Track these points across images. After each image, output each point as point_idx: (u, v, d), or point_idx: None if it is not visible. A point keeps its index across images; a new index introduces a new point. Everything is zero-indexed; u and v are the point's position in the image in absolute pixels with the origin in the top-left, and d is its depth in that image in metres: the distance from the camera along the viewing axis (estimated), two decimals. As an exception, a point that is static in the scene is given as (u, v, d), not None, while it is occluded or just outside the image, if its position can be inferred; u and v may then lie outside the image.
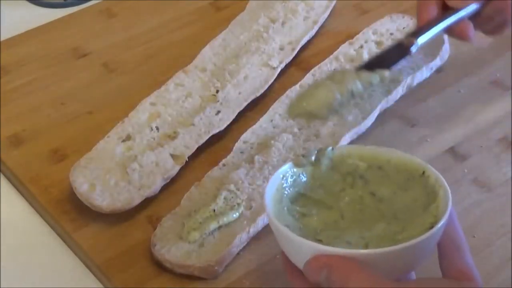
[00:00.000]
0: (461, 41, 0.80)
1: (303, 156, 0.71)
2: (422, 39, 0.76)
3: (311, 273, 0.62)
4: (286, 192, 0.69)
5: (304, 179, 0.70)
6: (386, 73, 0.74)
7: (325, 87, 0.72)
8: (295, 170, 0.70)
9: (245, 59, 0.92)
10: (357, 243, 0.64)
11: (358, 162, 0.70)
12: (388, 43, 0.94)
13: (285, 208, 0.67)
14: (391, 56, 0.75)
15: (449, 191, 0.65)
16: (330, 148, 0.71)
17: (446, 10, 0.79)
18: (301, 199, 0.69)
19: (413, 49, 0.75)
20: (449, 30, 0.79)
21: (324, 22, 1.00)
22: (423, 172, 0.68)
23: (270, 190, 0.67)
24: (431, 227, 0.63)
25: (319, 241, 0.64)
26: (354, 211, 0.68)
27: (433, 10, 0.78)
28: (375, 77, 0.74)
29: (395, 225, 0.66)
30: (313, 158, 0.70)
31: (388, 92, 0.87)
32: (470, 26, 0.79)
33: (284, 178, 0.69)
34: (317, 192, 0.70)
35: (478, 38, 0.83)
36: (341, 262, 0.60)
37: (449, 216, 0.63)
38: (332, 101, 0.71)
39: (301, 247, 0.63)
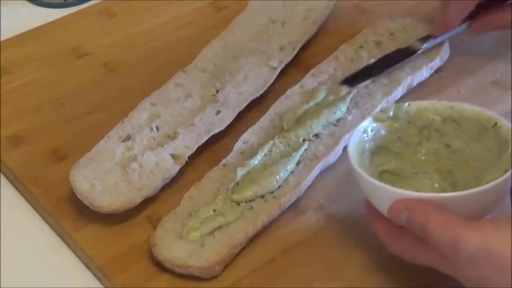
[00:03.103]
0: None
1: (382, 111, 0.76)
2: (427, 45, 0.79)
3: (394, 215, 0.67)
4: (367, 145, 0.74)
5: (383, 132, 0.75)
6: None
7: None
8: (374, 124, 0.75)
9: (245, 59, 0.92)
10: (434, 189, 0.70)
11: (434, 116, 0.75)
12: (388, 43, 0.94)
13: (367, 160, 0.74)
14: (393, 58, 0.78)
15: None
16: (407, 103, 0.76)
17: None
18: (381, 151, 0.75)
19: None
20: None
21: (324, 22, 1.00)
22: (496, 123, 0.72)
23: (353, 143, 0.73)
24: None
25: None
26: (431, 162, 0.74)
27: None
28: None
29: (469, 172, 0.71)
30: (391, 113, 0.76)
31: (388, 92, 0.88)
32: None
33: (365, 132, 0.75)
34: (395, 145, 0.75)
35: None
36: (420, 205, 0.65)
37: None
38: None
39: (384, 193, 0.68)
